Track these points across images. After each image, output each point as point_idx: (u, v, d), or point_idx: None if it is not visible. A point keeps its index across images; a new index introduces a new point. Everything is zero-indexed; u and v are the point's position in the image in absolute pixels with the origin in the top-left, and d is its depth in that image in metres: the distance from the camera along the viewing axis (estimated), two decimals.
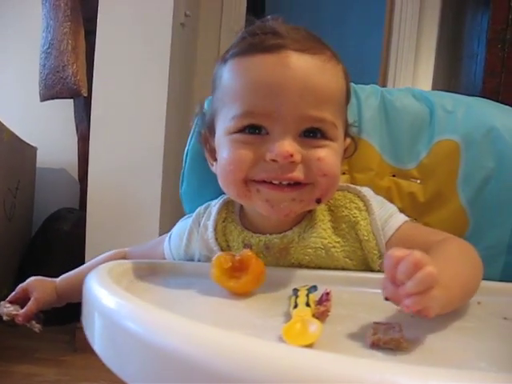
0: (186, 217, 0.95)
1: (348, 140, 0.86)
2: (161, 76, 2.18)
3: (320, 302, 0.63)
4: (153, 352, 0.47)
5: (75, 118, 2.55)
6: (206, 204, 0.91)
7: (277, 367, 0.41)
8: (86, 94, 2.29)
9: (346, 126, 0.84)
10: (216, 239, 0.85)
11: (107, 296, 0.57)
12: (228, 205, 0.89)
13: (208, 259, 0.83)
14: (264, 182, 0.74)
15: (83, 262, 1.07)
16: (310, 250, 0.81)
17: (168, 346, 0.46)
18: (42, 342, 2.24)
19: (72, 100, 2.51)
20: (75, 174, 2.62)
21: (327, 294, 0.64)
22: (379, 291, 0.73)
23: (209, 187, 0.94)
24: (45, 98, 2.36)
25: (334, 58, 0.77)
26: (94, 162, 2.23)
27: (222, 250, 0.84)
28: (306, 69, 0.73)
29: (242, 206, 0.87)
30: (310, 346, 0.54)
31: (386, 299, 0.58)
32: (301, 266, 0.82)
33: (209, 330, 0.47)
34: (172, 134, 2.25)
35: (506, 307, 0.72)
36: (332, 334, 0.59)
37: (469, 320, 0.68)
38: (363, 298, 0.72)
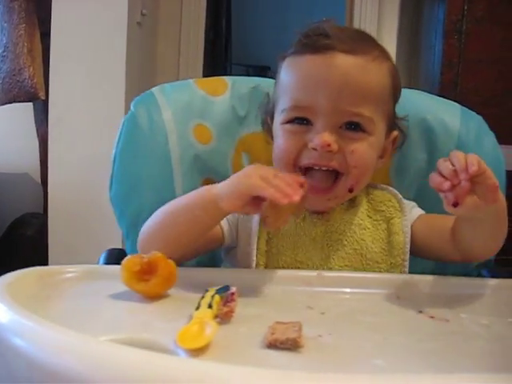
0: None
1: (395, 133, 0.90)
2: (118, 76, 2.15)
3: (225, 303, 0.62)
4: (39, 369, 0.46)
5: (35, 121, 2.51)
6: None
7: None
8: (43, 97, 2.25)
9: (392, 120, 0.89)
10: None
11: None
12: None
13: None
14: (309, 169, 0.83)
15: None
16: (346, 223, 0.87)
17: (54, 364, 0.45)
18: None
19: (32, 103, 2.47)
20: (38, 178, 2.58)
21: (232, 294, 0.63)
22: (293, 288, 0.74)
23: (138, 189, 0.93)
24: (2, 102, 2.31)
25: (379, 58, 0.83)
26: (54, 165, 2.20)
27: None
28: (348, 68, 0.80)
29: None
30: (204, 347, 0.53)
31: (455, 204, 0.68)
32: (330, 238, 0.86)
33: (94, 345, 0.47)
34: None
35: (423, 300, 0.72)
36: (234, 334, 0.59)
37: (382, 315, 0.68)
38: (277, 298, 0.71)
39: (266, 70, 4.20)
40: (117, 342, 0.54)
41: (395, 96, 0.89)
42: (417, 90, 1.05)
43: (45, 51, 2.26)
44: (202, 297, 0.64)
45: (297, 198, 0.69)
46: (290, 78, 0.85)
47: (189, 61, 2.77)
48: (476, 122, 1.01)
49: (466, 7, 2.21)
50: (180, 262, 0.77)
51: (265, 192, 0.68)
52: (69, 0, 2.15)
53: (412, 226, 0.87)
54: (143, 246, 0.81)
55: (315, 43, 0.82)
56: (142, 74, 2.46)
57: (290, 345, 0.55)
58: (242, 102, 1.00)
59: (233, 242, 0.87)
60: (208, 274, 0.76)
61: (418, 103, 1.00)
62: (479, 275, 0.94)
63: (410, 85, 2.59)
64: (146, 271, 0.68)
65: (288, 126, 0.84)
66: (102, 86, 2.16)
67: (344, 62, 0.80)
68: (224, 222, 0.86)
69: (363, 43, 0.84)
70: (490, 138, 1.00)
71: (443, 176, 0.67)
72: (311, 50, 0.82)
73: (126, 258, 0.69)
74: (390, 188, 0.91)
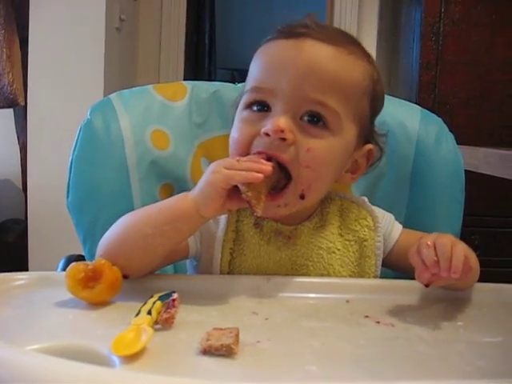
0: None
1: (369, 146, 0.83)
2: (96, 81, 2.16)
3: (166, 309, 0.62)
4: None
5: (16, 127, 2.51)
6: None
7: None
8: (23, 103, 2.26)
9: (367, 129, 0.83)
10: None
11: None
12: None
13: (207, 226, 0.80)
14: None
15: None
16: (314, 248, 0.81)
17: None
18: None
19: (12, 110, 2.47)
20: (20, 184, 2.58)
21: (173, 300, 0.63)
22: (241, 293, 0.73)
23: (95, 196, 0.93)
24: None
25: (356, 54, 0.78)
26: (33, 171, 2.21)
27: (228, 222, 0.81)
28: (319, 53, 0.75)
29: None
30: (139, 354, 0.53)
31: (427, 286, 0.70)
32: (295, 263, 0.80)
33: (14, 354, 0.47)
34: None
35: (370, 305, 0.72)
36: (172, 340, 0.58)
37: (328, 320, 0.67)
38: (223, 303, 0.70)
39: None
40: (51, 349, 0.55)
41: (373, 103, 0.82)
42: None
43: (23, 57, 2.27)
44: (144, 303, 0.63)
45: (269, 167, 0.69)
46: (258, 62, 0.80)
47: (170, 65, 2.77)
48: (436, 124, 1.01)
49: (442, 9, 2.23)
50: (147, 272, 0.76)
51: (237, 178, 0.68)
52: (46, 6, 2.16)
53: (395, 245, 0.85)
54: (108, 257, 0.72)
55: (290, 30, 0.77)
56: (122, 79, 2.46)
57: (225, 351, 0.55)
58: (200, 107, 0.99)
59: (197, 255, 0.83)
60: (155, 281, 0.75)
61: None
62: None
63: (390, 86, 2.60)
64: (91, 278, 0.67)
65: (245, 113, 0.78)
66: (80, 92, 2.17)
67: (315, 48, 0.75)
68: None
69: (342, 38, 0.79)
70: (449, 141, 0.99)
71: (424, 262, 0.68)
72: (284, 36, 0.77)
73: (70, 266, 0.69)
74: (367, 203, 0.86)
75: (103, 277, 0.67)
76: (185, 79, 2.83)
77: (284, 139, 0.72)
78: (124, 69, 2.53)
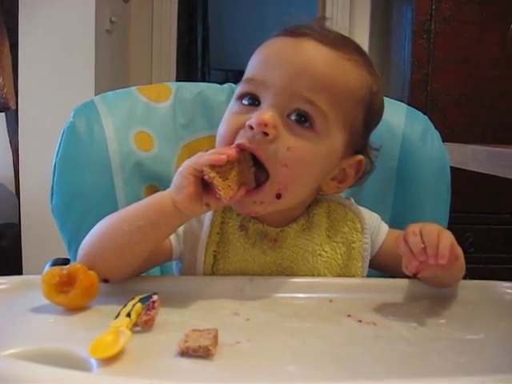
0: None
1: (360, 157, 0.81)
2: (87, 84, 2.15)
3: (146, 311, 0.62)
4: None
5: (8, 131, 2.51)
6: None
7: None
8: (14, 107, 2.25)
9: (359, 140, 0.81)
10: (214, 211, 0.81)
11: None
12: None
13: (190, 227, 0.81)
14: None
15: None
16: (299, 250, 0.80)
17: None
18: None
19: (4, 114, 2.47)
20: (13, 188, 2.58)
21: (153, 302, 0.63)
22: (224, 294, 0.73)
23: (80, 199, 0.92)
24: None
25: (356, 62, 0.77)
26: (26, 174, 2.21)
27: (212, 224, 0.80)
28: (316, 54, 0.75)
29: None
30: (117, 356, 0.53)
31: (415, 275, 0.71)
32: (280, 265, 0.80)
33: None
34: None
35: (353, 304, 0.72)
36: (151, 342, 0.58)
37: (309, 319, 0.67)
38: (205, 305, 0.70)
39: None
40: (28, 353, 0.55)
41: (369, 115, 0.80)
42: None
43: (14, 60, 2.26)
44: (125, 305, 0.63)
45: (232, 151, 0.70)
46: (256, 55, 0.79)
47: (162, 67, 2.77)
48: (421, 122, 1.01)
49: (433, 7, 2.23)
50: (128, 275, 0.75)
51: (201, 161, 0.68)
52: (36, 10, 2.15)
53: (381, 246, 0.85)
54: (87, 260, 0.72)
55: (294, 30, 0.77)
56: (114, 82, 2.46)
57: (202, 352, 0.54)
58: (184, 108, 0.99)
59: (181, 257, 0.83)
60: (138, 283, 0.75)
61: None
62: None
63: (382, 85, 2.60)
64: (66, 283, 0.67)
65: (235, 106, 0.78)
66: (71, 95, 2.16)
67: (314, 48, 0.75)
68: (172, 236, 0.81)
69: (344, 44, 0.78)
70: (434, 138, 0.99)
71: (411, 250, 0.68)
72: (287, 34, 0.77)
73: (45, 271, 0.68)
74: (354, 204, 0.85)
75: (77, 281, 0.67)
76: (177, 81, 2.83)
77: (266, 134, 0.72)
78: (115, 71, 2.53)
